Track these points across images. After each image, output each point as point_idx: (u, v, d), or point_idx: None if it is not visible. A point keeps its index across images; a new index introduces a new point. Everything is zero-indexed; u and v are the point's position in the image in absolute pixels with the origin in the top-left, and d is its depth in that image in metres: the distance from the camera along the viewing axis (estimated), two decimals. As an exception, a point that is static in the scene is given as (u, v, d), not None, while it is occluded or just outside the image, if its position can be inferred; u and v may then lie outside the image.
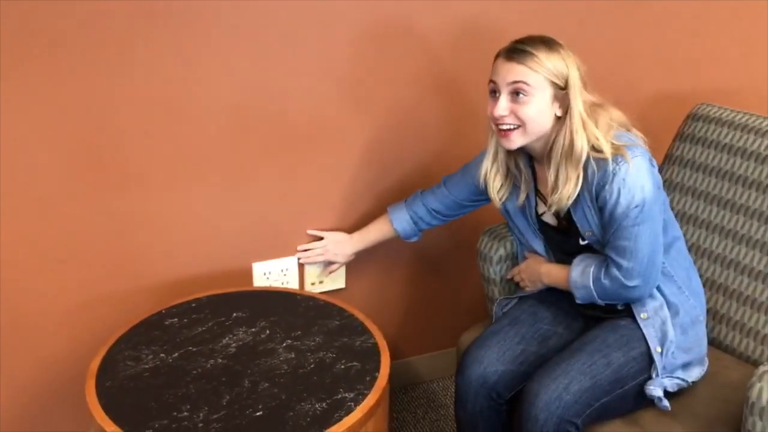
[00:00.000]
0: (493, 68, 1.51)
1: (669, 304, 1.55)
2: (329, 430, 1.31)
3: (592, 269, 1.54)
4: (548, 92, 1.46)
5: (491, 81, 1.51)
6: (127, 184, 1.70)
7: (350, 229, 1.94)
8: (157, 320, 1.63)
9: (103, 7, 1.55)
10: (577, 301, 1.59)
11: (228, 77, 1.71)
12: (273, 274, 1.92)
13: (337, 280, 2.01)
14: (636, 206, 1.45)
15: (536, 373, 1.49)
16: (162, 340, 1.56)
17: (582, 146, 1.46)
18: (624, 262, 1.48)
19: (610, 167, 1.45)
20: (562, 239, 1.62)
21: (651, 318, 1.54)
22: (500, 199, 1.64)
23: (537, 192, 1.63)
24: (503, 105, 1.47)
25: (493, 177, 1.62)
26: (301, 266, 1.95)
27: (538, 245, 1.69)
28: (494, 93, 1.50)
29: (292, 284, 1.95)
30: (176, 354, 1.51)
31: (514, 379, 1.56)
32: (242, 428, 1.31)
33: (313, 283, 1.98)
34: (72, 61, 1.57)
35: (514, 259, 1.82)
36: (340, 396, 1.40)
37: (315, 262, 1.92)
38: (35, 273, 1.68)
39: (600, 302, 1.56)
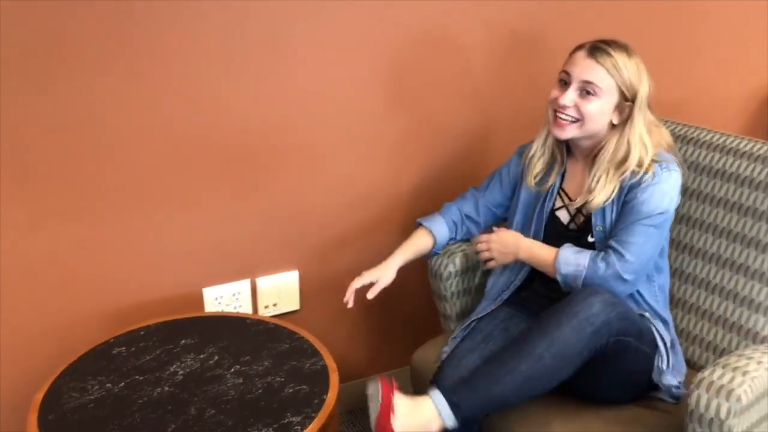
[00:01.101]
0: (570, 59, 1.58)
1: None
2: (274, 455, 1.30)
3: (588, 252, 1.56)
4: (614, 99, 1.55)
5: (564, 71, 1.58)
6: (73, 212, 1.69)
7: (307, 251, 1.95)
8: (105, 349, 1.61)
9: (36, 33, 1.54)
10: (559, 280, 1.57)
11: (174, 101, 1.71)
12: (224, 298, 1.91)
13: (291, 302, 2.00)
14: (660, 212, 1.54)
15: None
16: (108, 370, 1.54)
17: (635, 160, 1.55)
18: (627, 255, 1.52)
19: (649, 173, 1.55)
20: (569, 236, 1.64)
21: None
22: (534, 182, 1.69)
23: (560, 188, 1.69)
24: (571, 96, 1.55)
25: (537, 159, 1.69)
26: (253, 290, 1.94)
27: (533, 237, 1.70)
28: (564, 83, 1.58)
29: (245, 308, 1.94)
30: (122, 384, 1.50)
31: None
32: (187, 457, 1.30)
33: (266, 306, 1.97)
34: (14, 88, 1.55)
35: (464, 275, 1.83)
36: (287, 420, 1.39)
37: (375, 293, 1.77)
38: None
39: (578, 286, 1.54)
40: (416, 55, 1.94)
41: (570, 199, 1.67)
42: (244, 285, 1.93)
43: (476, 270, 1.85)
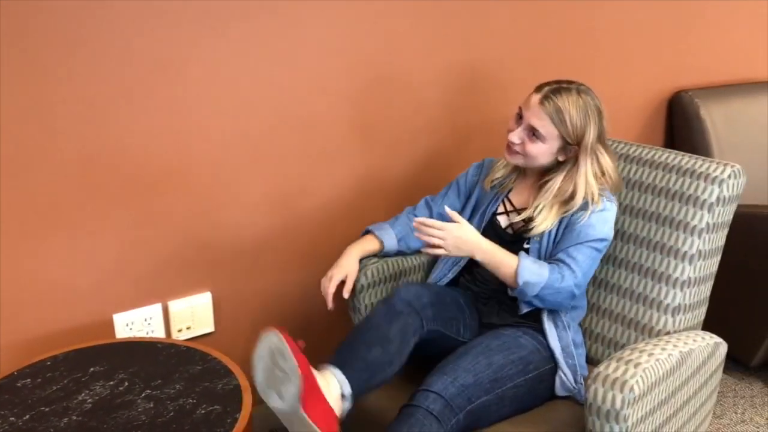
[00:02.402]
0: (527, 100, 1.70)
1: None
2: (186, 477, 1.30)
3: (546, 264, 1.64)
4: (557, 144, 1.68)
5: (520, 108, 1.71)
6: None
7: (219, 272, 1.94)
8: (8, 383, 1.57)
9: None
10: (511, 293, 1.66)
11: (74, 122, 1.69)
12: (136, 324, 1.88)
13: (205, 324, 1.99)
14: (603, 239, 1.67)
15: (429, 372, 1.55)
16: (12, 404, 1.49)
17: (579, 201, 1.68)
18: (577, 271, 1.64)
19: (596, 201, 1.68)
20: (504, 239, 1.74)
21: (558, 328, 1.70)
22: (490, 185, 1.85)
23: (506, 196, 1.83)
24: (519, 134, 1.70)
25: (500, 168, 1.85)
26: (166, 313, 1.92)
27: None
28: (519, 118, 1.71)
29: (158, 333, 1.92)
30: (27, 416, 1.45)
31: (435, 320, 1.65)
32: (95, 485, 1.28)
33: (180, 330, 1.95)
34: None
35: (377, 287, 1.86)
36: (199, 442, 1.39)
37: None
38: None
39: (531, 298, 1.63)
40: (321, 72, 1.97)
41: (514, 207, 1.79)
42: (156, 309, 1.90)
43: (389, 281, 1.88)
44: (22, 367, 1.62)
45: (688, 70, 2.66)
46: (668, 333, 1.68)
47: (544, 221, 1.69)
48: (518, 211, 1.78)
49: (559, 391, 1.65)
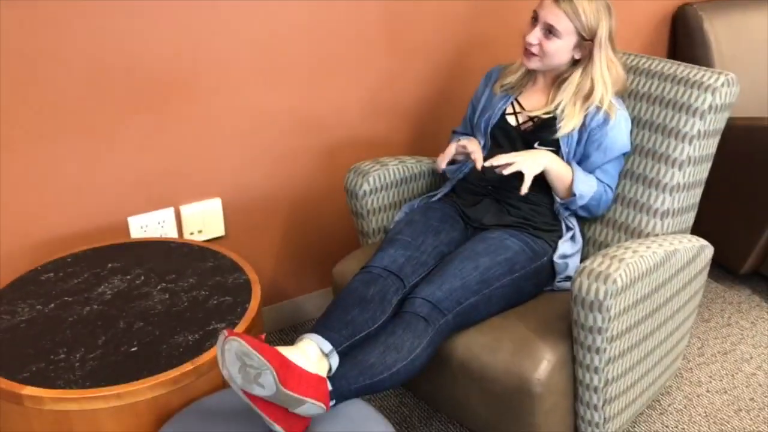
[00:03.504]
0: (541, 1, 1.77)
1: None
2: (200, 358, 1.41)
3: (594, 178, 1.78)
4: (574, 39, 1.75)
5: (534, 11, 1.78)
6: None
7: (229, 179, 2.03)
8: (32, 276, 1.68)
9: None
10: (559, 201, 1.79)
11: (89, 31, 1.74)
12: (150, 226, 1.98)
13: (216, 229, 2.09)
14: (626, 150, 1.81)
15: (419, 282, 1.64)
16: (38, 294, 1.61)
17: (597, 97, 1.77)
18: (613, 185, 1.81)
19: (612, 114, 1.77)
20: (516, 136, 1.84)
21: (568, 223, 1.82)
22: (500, 89, 1.92)
23: (515, 99, 1.90)
24: (536, 35, 1.77)
25: (512, 73, 1.91)
26: (178, 217, 2.02)
27: (480, 137, 1.91)
28: (534, 21, 1.78)
29: (171, 235, 2.02)
30: (52, 305, 1.57)
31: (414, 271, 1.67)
32: (117, 363, 1.40)
33: (191, 234, 2.05)
34: None
35: (379, 192, 1.94)
36: (212, 327, 1.50)
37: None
38: None
39: (578, 207, 1.78)
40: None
41: (523, 109, 1.87)
42: (169, 213, 2.00)
43: (390, 188, 1.96)
44: (44, 263, 1.73)
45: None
46: (656, 236, 1.76)
47: (571, 120, 1.77)
48: (529, 115, 1.85)
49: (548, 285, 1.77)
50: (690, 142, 1.75)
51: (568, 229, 1.81)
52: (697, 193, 1.84)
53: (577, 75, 1.79)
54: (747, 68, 2.51)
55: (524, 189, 1.71)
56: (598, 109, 1.77)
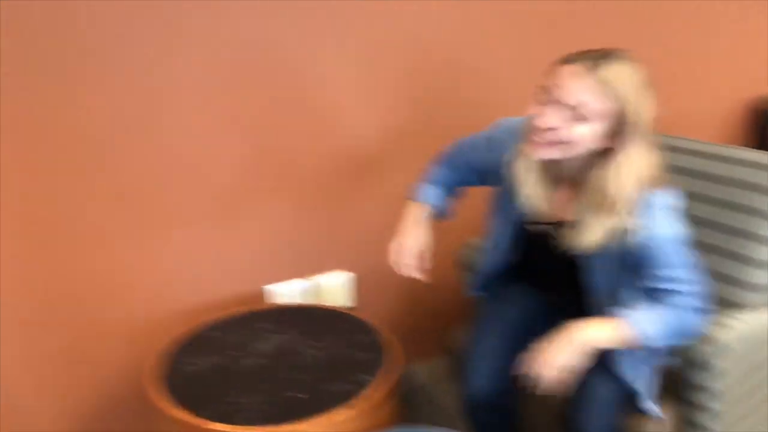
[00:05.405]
0: (558, 72, 1.37)
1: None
2: (356, 402, 1.64)
3: (650, 310, 1.42)
4: (603, 125, 1.36)
5: (547, 85, 1.38)
6: (153, 221, 2.02)
7: (362, 255, 2.30)
8: (202, 333, 1.95)
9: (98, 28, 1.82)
10: (643, 344, 1.45)
11: (251, 124, 2.06)
12: (284, 296, 2.24)
13: (346, 301, 2.33)
14: (684, 239, 1.44)
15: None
16: (207, 346, 1.88)
17: (625, 199, 1.39)
18: (689, 285, 1.43)
19: (639, 221, 1.41)
20: (550, 253, 1.56)
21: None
22: (525, 201, 1.52)
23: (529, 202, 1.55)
24: (555, 116, 1.36)
25: (527, 178, 1.50)
26: (311, 288, 2.28)
27: (508, 234, 1.67)
28: (547, 97, 1.38)
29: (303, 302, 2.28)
30: (220, 356, 1.83)
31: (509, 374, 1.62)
32: (285, 406, 1.63)
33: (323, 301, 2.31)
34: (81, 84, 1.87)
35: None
36: (360, 378, 1.73)
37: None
38: (99, 301, 2.00)
39: (662, 345, 1.50)
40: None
41: (540, 215, 1.55)
42: (303, 284, 2.26)
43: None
44: (207, 322, 2.01)
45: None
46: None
47: (590, 232, 1.41)
48: (548, 223, 1.55)
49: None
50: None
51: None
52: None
53: (602, 173, 1.39)
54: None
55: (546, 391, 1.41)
56: (628, 226, 1.40)
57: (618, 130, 1.37)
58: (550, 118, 1.36)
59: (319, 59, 2.08)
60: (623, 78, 1.34)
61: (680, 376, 1.68)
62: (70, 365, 2.01)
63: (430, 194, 1.79)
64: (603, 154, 1.40)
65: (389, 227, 2.32)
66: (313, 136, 2.17)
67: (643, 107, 1.36)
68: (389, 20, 2.13)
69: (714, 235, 1.99)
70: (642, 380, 1.59)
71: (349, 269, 2.33)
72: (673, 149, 2.12)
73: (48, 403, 2.02)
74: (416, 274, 1.73)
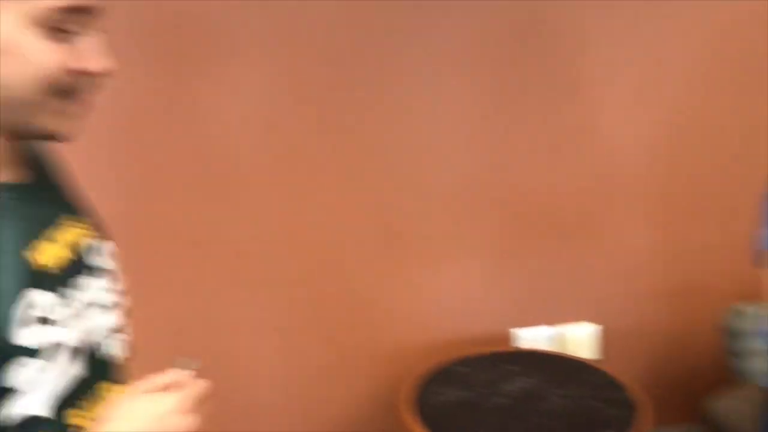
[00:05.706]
0: None
1: None
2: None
3: None
4: None
5: None
6: (422, 258, 2.15)
7: (611, 307, 2.25)
8: (449, 369, 2.02)
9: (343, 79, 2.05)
10: None
11: (501, 168, 2.14)
12: (528, 340, 2.25)
13: (591, 353, 2.29)
14: None
15: None
16: (455, 382, 1.94)
17: None
18: None
19: None
20: None
21: None
22: None
23: None
24: None
25: None
26: (555, 336, 2.27)
27: None
28: None
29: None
30: (470, 392, 1.89)
31: None
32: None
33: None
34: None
35: (757, 335, 2.00)
36: (609, 434, 1.69)
37: None
38: (358, 326, 2.17)
39: None
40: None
41: None
42: (549, 331, 2.26)
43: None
44: (453, 360, 2.08)
45: None
46: None
47: None
48: None
49: None
50: None
51: None
52: None
53: None
54: None
55: None
56: None
57: None
58: None
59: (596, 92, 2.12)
60: None
61: None
62: (328, 381, 2.19)
63: None
64: None
65: (638, 278, 2.25)
66: (575, 175, 2.18)
67: None
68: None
69: None
70: None
71: (596, 320, 2.28)
72: None
73: (300, 415, 2.21)
74: None
